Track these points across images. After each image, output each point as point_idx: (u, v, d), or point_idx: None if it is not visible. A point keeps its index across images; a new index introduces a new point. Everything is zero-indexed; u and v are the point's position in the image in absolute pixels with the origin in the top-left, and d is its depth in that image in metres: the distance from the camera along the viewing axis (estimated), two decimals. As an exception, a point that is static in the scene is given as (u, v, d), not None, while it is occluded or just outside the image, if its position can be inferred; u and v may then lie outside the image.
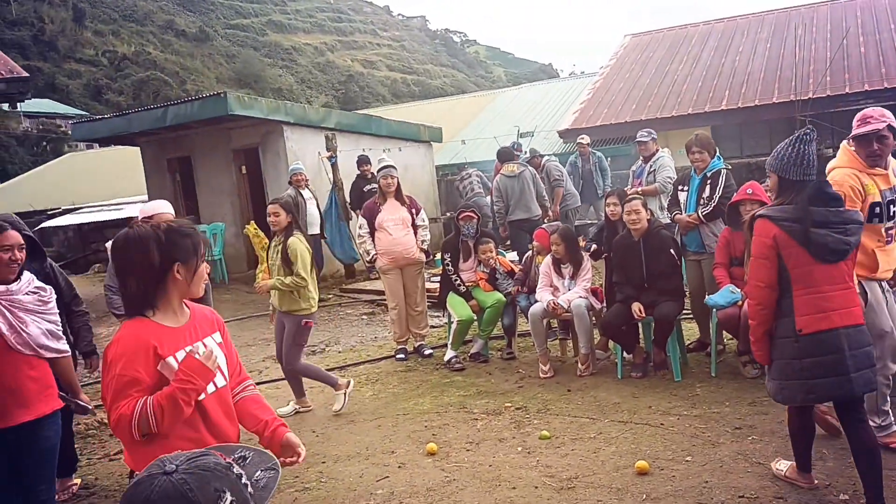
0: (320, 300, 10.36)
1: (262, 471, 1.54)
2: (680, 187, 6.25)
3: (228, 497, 1.35)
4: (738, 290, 5.31)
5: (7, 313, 3.29)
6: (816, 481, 3.71)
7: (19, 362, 3.33)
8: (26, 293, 3.39)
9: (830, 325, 3.31)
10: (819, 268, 3.32)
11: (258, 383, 6.70)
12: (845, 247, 3.34)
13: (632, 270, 5.82)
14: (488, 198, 10.91)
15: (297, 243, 5.52)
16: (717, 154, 6.00)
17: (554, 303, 6.04)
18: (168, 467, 1.37)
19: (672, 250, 5.79)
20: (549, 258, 6.39)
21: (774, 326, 3.43)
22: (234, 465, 1.45)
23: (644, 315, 5.65)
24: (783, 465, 3.85)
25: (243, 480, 1.43)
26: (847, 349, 3.31)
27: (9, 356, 3.29)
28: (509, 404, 5.47)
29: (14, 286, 3.35)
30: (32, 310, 3.40)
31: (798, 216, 3.32)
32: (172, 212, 4.56)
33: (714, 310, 5.59)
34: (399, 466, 4.54)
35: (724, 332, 5.93)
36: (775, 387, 3.48)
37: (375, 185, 7.42)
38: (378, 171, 7.20)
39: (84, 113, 44.06)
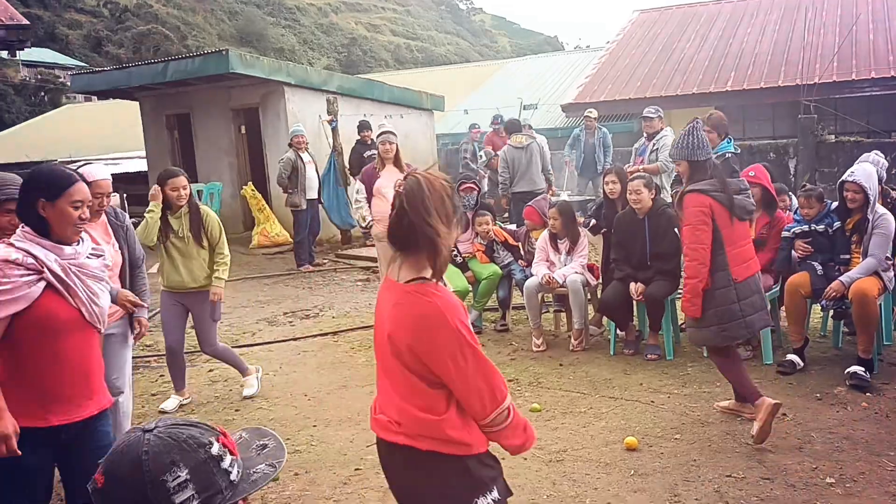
0: (316, 264, 10.46)
1: (266, 465, 1.46)
2: (685, 166, 6.20)
3: (182, 474, 1.29)
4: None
5: (79, 283, 2.65)
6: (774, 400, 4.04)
7: (93, 341, 2.76)
8: (89, 256, 2.76)
9: (750, 272, 4.17)
10: (737, 227, 4.11)
11: (251, 345, 6.74)
12: (753, 207, 4.30)
13: (633, 248, 5.81)
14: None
15: (211, 212, 5.15)
16: (729, 137, 5.91)
17: (549, 276, 6.04)
18: (149, 426, 1.36)
19: (676, 230, 5.78)
20: (546, 233, 6.38)
21: (710, 281, 4.09)
22: (217, 444, 1.37)
23: (642, 296, 5.66)
24: (724, 402, 4.42)
25: (223, 465, 1.35)
26: (760, 290, 4.23)
27: (86, 334, 2.70)
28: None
29: (80, 247, 2.72)
30: (100, 277, 2.78)
31: (721, 187, 4.07)
32: (110, 178, 3.95)
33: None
34: (389, 433, 4.56)
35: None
36: (714, 332, 4.14)
37: (375, 152, 7.36)
38: (377, 137, 7.14)
39: (83, 64, 43.56)
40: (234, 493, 1.36)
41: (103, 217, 4.06)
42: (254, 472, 1.42)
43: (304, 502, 3.75)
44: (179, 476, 1.28)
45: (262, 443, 1.50)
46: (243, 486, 1.38)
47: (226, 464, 1.35)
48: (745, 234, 4.17)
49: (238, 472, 1.38)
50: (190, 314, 5.15)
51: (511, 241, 6.78)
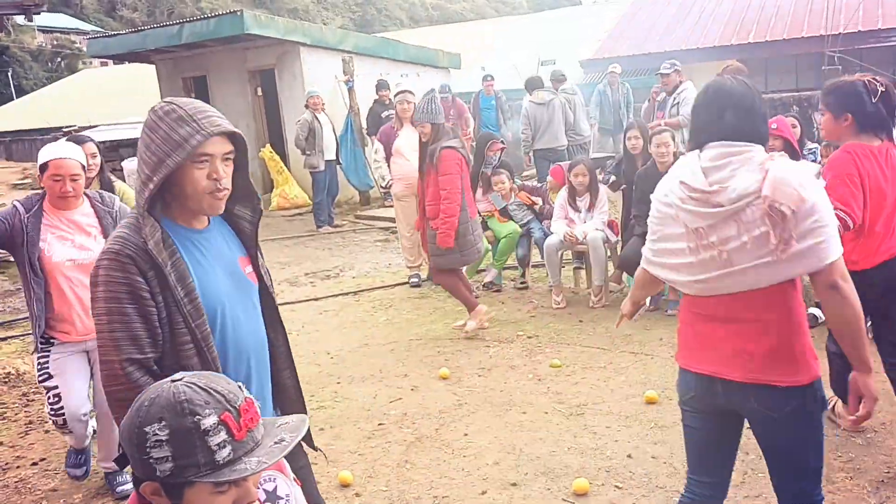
0: (336, 225, 10.50)
1: (259, 458, 1.36)
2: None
3: (162, 434, 1.28)
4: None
5: None
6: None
7: None
8: None
9: (475, 211, 5.56)
10: (467, 176, 5.35)
11: (274, 304, 6.82)
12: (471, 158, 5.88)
13: (654, 204, 5.76)
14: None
15: (129, 190, 4.14)
16: None
17: (570, 234, 6.03)
18: (179, 376, 1.37)
19: None
20: (564, 190, 6.36)
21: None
22: (214, 419, 1.31)
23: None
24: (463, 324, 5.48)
25: (209, 442, 1.30)
26: (479, 225, 5.65)
27: None
28: (521, 333, 5.53)
29: None
30: None
31: (461, 144, 5.32)
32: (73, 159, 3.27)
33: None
34: (412, 389, 4.64)
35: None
36: (457, 257, 5.32)
37: (393, 112, 7.33)
38: (395, 96, 7.11)
39: (99, 29, 43.42)
40: (213, 473, 1.30)
41: (85, 202, 3.45)
42: (246, 461, 1.33)
43: (330, 455, 3.83)
44: (158, 434, 1.28)
45: (282, 437, 1.41)
46: (225, 472, 1.31)
47: (214, 441, 1.30)
48: (468, 182, 5.41)
49: (228, 455, 1.31)
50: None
51: (532, 201, 6.76)
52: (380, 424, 4.16)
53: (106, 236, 3.33)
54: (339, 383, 4.84)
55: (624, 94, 11.40)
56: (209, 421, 1.30)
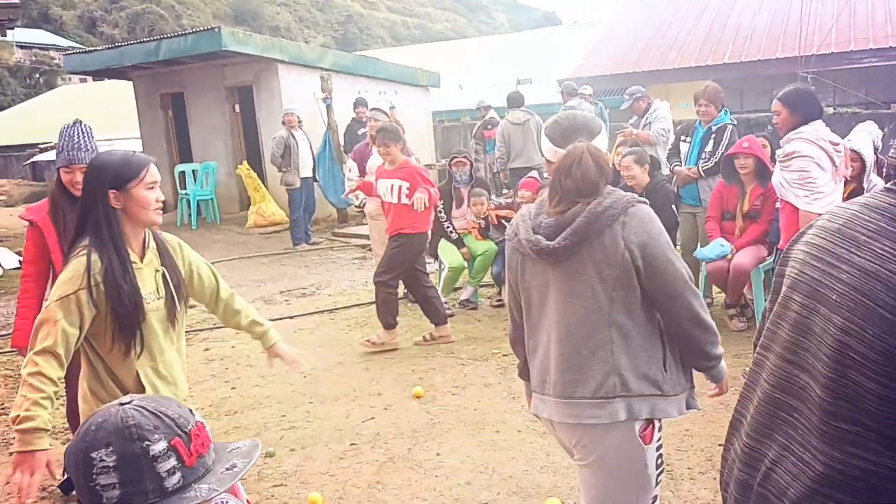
0: (313, 243, 10.45)
1: (210, 486, 1.32)
2: (683, 138, 6.16)
3: (109, 460, 1.24)
4: (728, 244, 5.31)
5: None
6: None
7: None
8: None
9: None
10: None
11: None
12: None
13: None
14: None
15: (173, 238, 2.76)
16: (725, 109, 5.87)
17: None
18: (127, 399, 1.33)
19: (673, 206, 5.76)
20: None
21: None
22: (163, 445, 1.27)
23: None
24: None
25: (158, 469, 1.26)
26: None
27: None
28: (496, 351, 5.50)
29: None
30: None
31: None
32: None
33: (703, 263, 5.60)
34: (385, 408, 4.59)
35: (712, 285, 5.94)
36: None
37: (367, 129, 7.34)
38: (368, 114, 7.12)
39: (78, 45, 43.23)
40: (162, 501, 1.26)
41: None
42: (196, 488, 1.30)
43: (301, 477, 3.77)
44: (105, 461, 1.24)
45: (233, 462, 1.37)
46: (174, 500, 1.27)
47: (163, 468, 1.26)
48: None
49: (178, 482, 1.28)
50: None
51: (499, 221, 6.73)
52: (352, 444, 4.10)
53: None
54: (311, 403, 4.78)
55: (597, 113, 11.48)
56: (158, 447, 1.26)
